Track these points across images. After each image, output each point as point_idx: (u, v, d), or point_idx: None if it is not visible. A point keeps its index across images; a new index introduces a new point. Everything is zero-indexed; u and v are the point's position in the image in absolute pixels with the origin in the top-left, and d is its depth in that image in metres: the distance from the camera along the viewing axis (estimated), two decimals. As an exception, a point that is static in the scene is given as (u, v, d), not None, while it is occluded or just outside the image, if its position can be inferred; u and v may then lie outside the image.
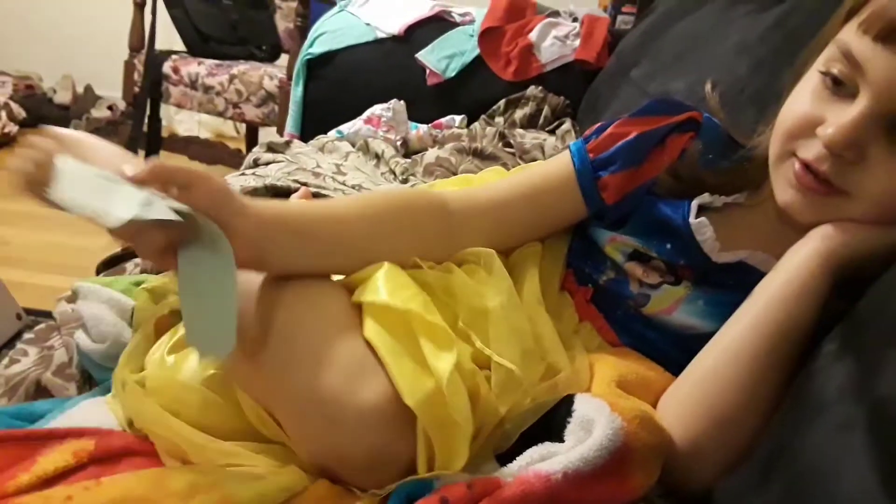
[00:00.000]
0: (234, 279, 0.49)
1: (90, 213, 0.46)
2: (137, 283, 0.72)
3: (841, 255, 0.54)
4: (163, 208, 0.47)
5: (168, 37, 2.59)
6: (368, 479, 0.50)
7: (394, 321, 0.52)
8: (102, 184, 0.48)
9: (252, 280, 0.55)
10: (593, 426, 0.49)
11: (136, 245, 0.50)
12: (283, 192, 1.04)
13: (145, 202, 0.46)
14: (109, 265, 0.88)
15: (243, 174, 1.18)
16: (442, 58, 1.75)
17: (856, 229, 0.55)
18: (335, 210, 0.63)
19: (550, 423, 0.53)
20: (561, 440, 0.51)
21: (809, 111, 0.56)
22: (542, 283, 0.67)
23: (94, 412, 0.57)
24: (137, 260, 0.86)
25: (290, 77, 1.98)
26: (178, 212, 0.47)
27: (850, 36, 0.54)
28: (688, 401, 0.56)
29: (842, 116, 0.53)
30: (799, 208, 0.57)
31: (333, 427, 0.48)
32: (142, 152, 2.56)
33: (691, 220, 0.64)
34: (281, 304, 0.53)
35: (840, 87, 0.55)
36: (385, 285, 0.54)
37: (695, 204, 0.65)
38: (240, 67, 2.41)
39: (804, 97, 0.58)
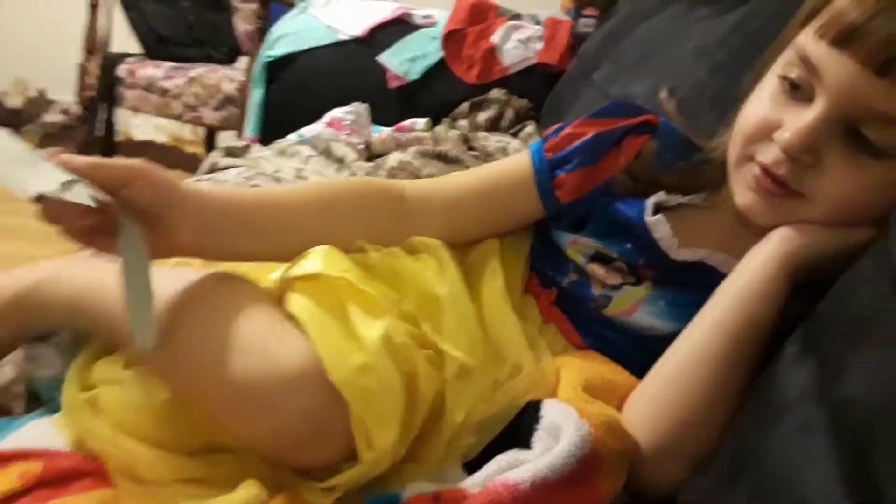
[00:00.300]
0: (146, 270, 0.50)
1: (8, 181, 0.47)
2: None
3: (799, 256, 0.55)
4: (81, 192, 0.47)
5: (124, 39, 2.54)
6: (316, 455, 0.49)
7: (323, 292, 0.52)
8: (29, 158, 0.49)
9: (177, 273, 0.55)
10: (561, 433, 0.49)
11: (62, 227, 0.50)
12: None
13: (65, 184, 0.47)
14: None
15: (200, 180, 1.15)
16: (404, 60, 1.74)
17: (813, 231, 0.55)
18: (281, 196, 0.64)
19: (518, 428, 0.53)
20: (528, 447, 0.50)
21: (767, 115, 0.57)
22: (506, 285, 0.66)
23: (41, 433, 0.55)
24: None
25: (249, 80, 1.95)
26: (94, 198, 0.48)
27: (808, 40, 0.54)
28: (652, 404, 0.56)
29: (798, 120, 0.54)
30: (758, 211, 0.58)
31: (264, 406, 0.47)
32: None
33: (647, 217, 0.65)
34: (188, 297, 0.53)
35: (797, 91, 0.55)
36: (318, 258, 0.54)
37: (650, 202, 0.66)
38: (198, 70, 2.36)
39: (762, 101, 0.58)
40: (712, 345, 0.55)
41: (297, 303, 0.51)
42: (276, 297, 0.55)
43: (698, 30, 1.18)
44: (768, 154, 0.56)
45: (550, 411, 0.52)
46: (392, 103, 1.72)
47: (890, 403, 0.37)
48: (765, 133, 0.57)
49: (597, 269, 0.67)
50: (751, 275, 0.56)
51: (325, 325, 0.49)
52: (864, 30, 0.50)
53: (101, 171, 0.50)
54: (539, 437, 0.50)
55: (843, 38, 0.51)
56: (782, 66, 0.57)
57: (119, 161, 0.52)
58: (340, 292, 0.52)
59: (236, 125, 2.21)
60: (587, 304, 0.67)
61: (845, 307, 0.47)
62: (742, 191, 0.59)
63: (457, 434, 0.53)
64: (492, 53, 1.77)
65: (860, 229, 0.53)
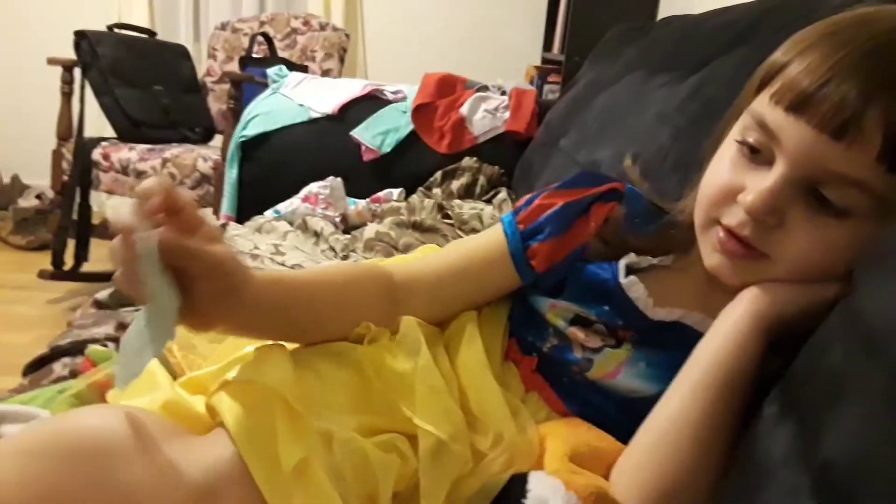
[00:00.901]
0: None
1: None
2: (61, 391, 0.68)
3: (771, 314, 0.56)
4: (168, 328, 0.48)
5: (97, 123, 2.56)
6: None
7: (255, 402, 0.50)
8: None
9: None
10: (549, 506, 0.48)
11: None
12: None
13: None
14: (35, 367, 0.84)
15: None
16: (377, 134, 1.78)
17: (783, 289, 0.56)
18: (307, 277, 0.65)
19: (505, 503, 0.52)
20: (516, 523, 0.50)
21: (729, 180, 0.58)
22: (486, 352, 0.66)
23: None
24: (66, 360, 0.82)
25: (224, 159, 1.97)
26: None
27: (764, 106, 0.56)
28: (638, 471, 0.56)
29: (760, 183, 0.55)
30: (726, 272, 0.59)
31: None
32: (71, 241, 2.48)
33: (621, 279, 0.66)
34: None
35: (757, 155, 0.57)
36: (255, 364, 0.53)
37: (622, 263, 0.68)
38: (172, 151, 2.38)
39: (724, 166, 0.60)
40: (692, 408, 0.55)
41: (227, 408, 0.49)
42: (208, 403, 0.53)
43: (658, 96, 1.22)
44: (733, 217, 0.57)
45: (537, 485, 0.51)
46: (366, 176, 1.75)
47: (869, 462, 0.38)
48: (728, 197, 0.58)
49: (577, 333, 0.68)
50: (725, 336, 0.56)
51: (254, 435, 0.48)
52: (817, 96, 0.51)
53: (192, 261, 0.48)
54: (527, 512, 0.50)
55: (797, 105, 0.53)
56: (740, 130, 0.59)
57: (208, 253, 0.49)
58: (272, 403, 0.50)
59: (212, 204, 2.22)
60: (570, 367, 0.67)
61: (818, 366, 0.47)
62: (709, 253, 0.60)
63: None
64: (461, 124, 1.81)
65: (829, 285, 0.54)
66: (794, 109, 0.53)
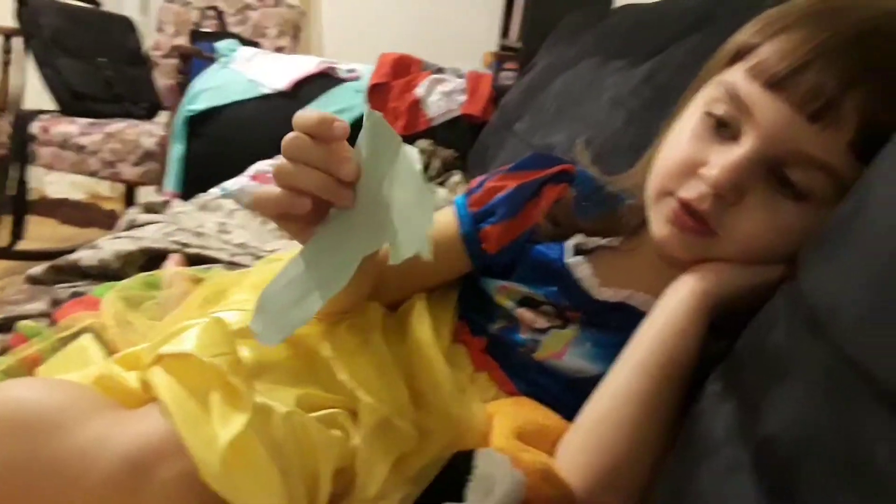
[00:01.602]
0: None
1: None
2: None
3: (715, 294, 0.56)
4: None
5: (37, 96, 2.45)
6: None
7: (191, 375, 0.48)
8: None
9: None
10: (495, 483, 0.48)
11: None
12: (159, 255, 0.98)
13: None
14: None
15: (118, 237, 1.11)
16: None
17: (728, 269, 0.57)
18: None
19: (450, 480, 0.52)
20: (461, 499, 0.49)
21: (691, 153, 0.58)
22: (434, 333, 0.66)
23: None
24: None
25: (170, 134, 1.91)
26: None
27: (739, 79, 0.55)
28: (582, 449, 0.56)
29: (726, 158, 0.54)
30: (674, 245, 0.59)
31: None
32: (7, 218, 2.38)
33: (567, 259, 0.66)
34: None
35: (723, 129, 0.56)
36: (193, 337, 0.51)
37: (569, 244, 0.68)
38: (116, 126, 2.30)
39: (685, 138, 0.59)
40: (635, 385, 0.55)
41: (162, 382, 0.47)
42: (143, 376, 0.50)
43: (613, 81, 1.23)
44: (692, 190, 0.56)
45: (484, 461, 0.51)
46: (318, 156, 1.71)
47: (809, 439, 0.38)
48: (688, 169, 0.57)
49: (525, 314, 0.68)
50: (669, 314, 0.57)
51: (188, 408, 0.46)
52: (798, 76, 0.51)
53: None
54: (473, 489, 0.49)
55: (777, 82, 0.52)
56: (707, 101, 0.58)
57: None
58: (208, 378, 0.48)
59: (157, 180, 2.16)
60: (517, 348, 0.68)
61: (762, 346, 0.48)
62: (660, 224, 0.60)
63: (386, 488, 0.51)
64: (417, 106, 1.80)
65: (773, 267, 0.55)
66: (773, 86, 0.53)
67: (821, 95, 0.50)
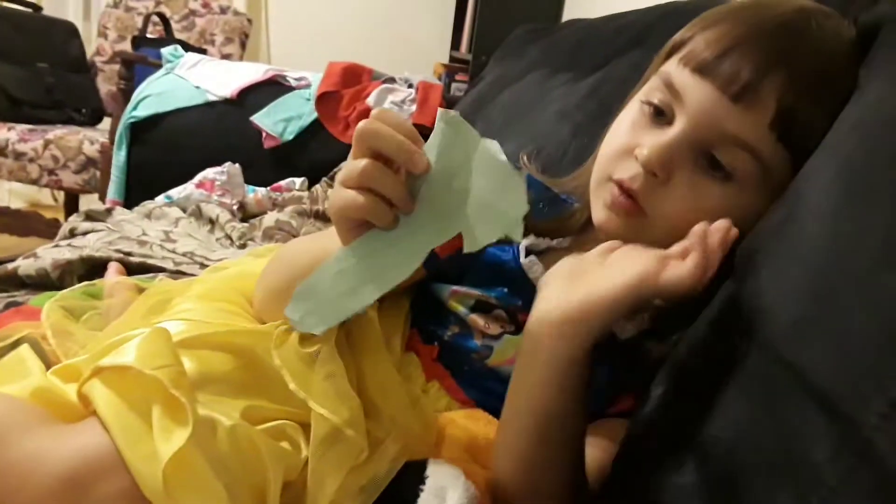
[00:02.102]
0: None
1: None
2: None
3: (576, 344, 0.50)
4: None
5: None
6: None
7: (131, 388, 0.47)
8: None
9: None
10: (447, 495, 0.48)
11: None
12: (101, 264, 0.95)
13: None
14: None
15: (57, 246, 1.07)
16: (278, 121, 1.73)
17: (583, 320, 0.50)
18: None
19: (401, 490, 0.51)
20: (413, 510, 0.49)
21: (628, 138, 0.60)
22: (385, 342, 0.65)
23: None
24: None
25: (112, 141, 1.86)
26: None
27: (672, 68, 0.59)
28: (505, 458, 0.54)
29: (658, 138, 0.57)
30: (611, 227, 0.60)
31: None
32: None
33: (522, 259, 0.67)
34: None
35: (660, 118, 0.59)
36: (133, 348, 0.49)
37: (522, 244, 0.69)
38: (56, 132, 2.23)
39: (624, 126, 0.62)
40: (537, 405, 0.52)
41: (101, 396, 0.46)
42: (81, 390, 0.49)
43: (559, 94, 1.26)
44: (626, 171, 0.59)
45: (436, 473, 0.51)
46: (267, 163, 1.70)
47: (748, 439, 0.40)
48: (625, 153, 0.60)
49: (477, 320, 0.68)
50: (541, 370, 0.51)
51: (128, 422, 0.45)
52: (722, 61, 0.55)
53: None
54: (425, 500, 0.49)
55: (703, 67, 0.56)
56: (645, 92, 0.61)
57: None
58: (149, 390, 0.47)
59: (99, 188, 2.09)
60: (470, 355, 0.68)
61: (701, 348, 0.50)
62: (599, 209, 0.62)
63: (337, 500, 0.51)
64: (367, 115, 1.79)
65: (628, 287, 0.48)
66: (700, 71, 0.56)
67: (741, 78, 0.54)
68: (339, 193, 0.50)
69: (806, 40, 0.55)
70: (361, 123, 0.48)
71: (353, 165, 0.49)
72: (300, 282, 0.57)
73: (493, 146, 0.49)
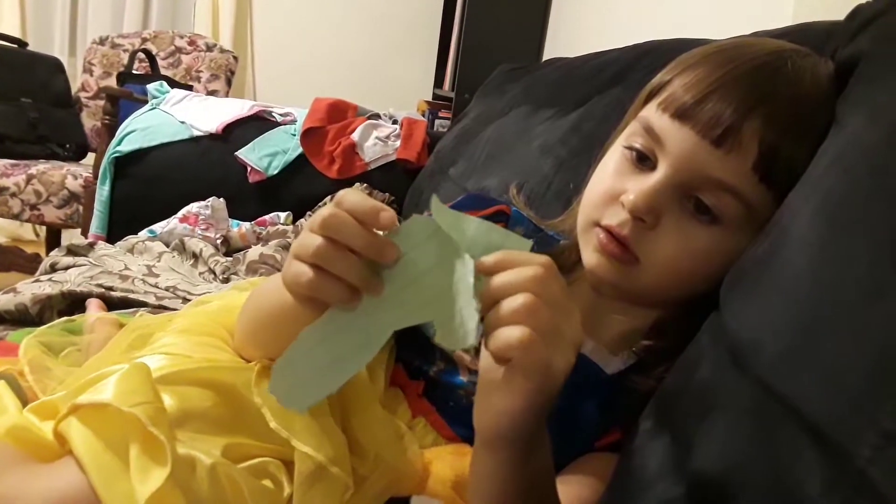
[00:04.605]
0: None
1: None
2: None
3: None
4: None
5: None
6: None
7: (109, 426, 0.46)
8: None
9: None
10: (430, 530, 0.47)
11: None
12: (81, 299, 0.94)
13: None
14: None
15: (38, 280, 1.06)
16: (264, 156, 1.73)
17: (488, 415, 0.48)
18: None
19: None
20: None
21: (613, 184, 0.60)
22: (370, 376, 0.65)
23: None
24: None
25: (96, 176, 1.85)
26: None
27: (651, 113, 0.59)
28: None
29: (643, 184, 0.57)
30: (602, 272, 0.60)
31: None
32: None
33: None
34: None
35: (643, 162, 0.59)
36: (111, 385, 0.48)
37: None
38: (39, 167, 2.22)
39: (608, 171, 0.62)
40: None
41: (77, 435, 0.45)
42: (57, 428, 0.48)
43: (542, 130, 1.27)
44: (614, 217, 0.59)
45: (420, 507, 0.50)
46: (251, 198, 1.69)
47: (738, 471, 0.39)
48: (611, 199, 0.60)
49: (463, 356, 0.67)
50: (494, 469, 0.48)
51: (105, 462, 0.44)
52: (701, 106, 0.55)
53: None
54: (409, 536, 0.48)
55: (682, 112, 0.56)
56: (627, 137, 0.61)
57: None
58: (127, 428, 0.46)
59: (82, 223, 2.08)
60: (456, 391, 0.67)
61: (689, 381, 0.49)
62: (589, 253, 0.62)
63: None
64: (352, 150, 1.80)
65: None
66: (680, 116, 0.56)
67: (722, 122, 0.54)
68: (289, 264, 0.46)
69: (783, 81, 0.56)
70: (325, 211, 0.43)
71: (307, 240, 0.44)
72: (268, 326, 0.56)
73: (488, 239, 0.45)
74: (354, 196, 0.44)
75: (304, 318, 0.46)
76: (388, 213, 0.43)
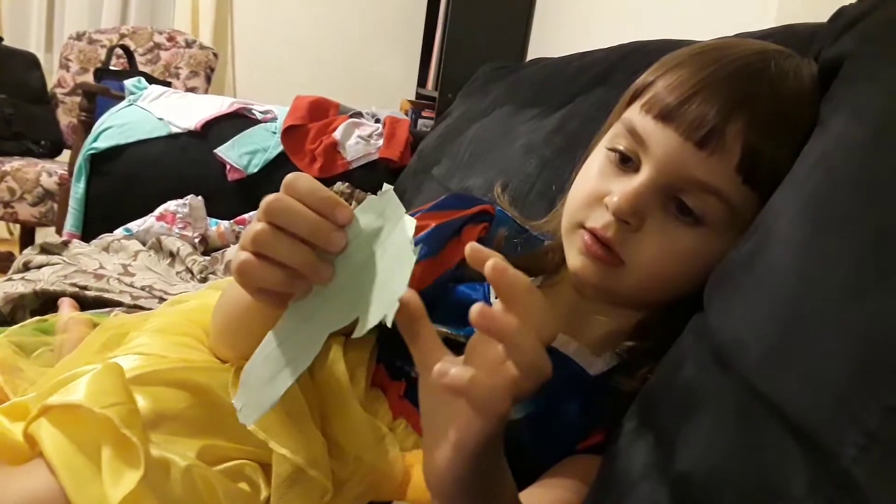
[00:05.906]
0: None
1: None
2: None
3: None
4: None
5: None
6: None
7: (81, 428, 0.45)
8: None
9: None
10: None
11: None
12: (54, 299, 0.92)
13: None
14: None
15: (10, 279, 1.04)
16: (243, 154, 1.71)
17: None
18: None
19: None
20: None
21: (597, 185, 0.60)
22: (350, 377, 0.64)
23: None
24: None
25: (71, 173, 1.83)
26: None
27: (635, 115, 0.59)
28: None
29: (626, 186, 0.57)
30: (587, 274, 0.60)
31: None
32: None
33: (492, 299, 0.66)
34: None
35: (626, 164, 0.59)
36: (83, 386, 0.47)
37: None
38: (13, 164, 2.18)
39: (592, 173, 0.62)
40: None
41: (48, 437, 0.44)
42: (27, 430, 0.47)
43: (525, 129, 1.27)
44: (598, 219, 0.58)
45: (401, 513, 0.49)
46: (231, 196, 1.67)
47: (722, 471, 0.39)
48: (594, 201, 0.59)
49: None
50: None
51: (77, 464, 0.43)
52: (684, 107, 0.55)
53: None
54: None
55: (666, 114, 0.56)
56: (610, 139, 0.61)
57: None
58: (99, 430, 0.45)
59: (56, 221, 2.05)
60: (438, 393, 0.66)
61: (673, 382, 0.49)
62: (574, 256, 0.61)
63: None
64: (334, 148, 1.79)
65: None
66: (663, 118, 0.56)
67: (705, 123, 0.54)
68: (235, 256, 0.44)
69: (766, 82, 0.55)
70: (269, 197, 0.42)
71: (249, 227, 0.43)
72: (234, 326, 0.55)
73: (409, 224, 0.44)
74: (305, 182, 0.42)
75: (267, 316, 0.45)
76: (346, 210, 0.42)
